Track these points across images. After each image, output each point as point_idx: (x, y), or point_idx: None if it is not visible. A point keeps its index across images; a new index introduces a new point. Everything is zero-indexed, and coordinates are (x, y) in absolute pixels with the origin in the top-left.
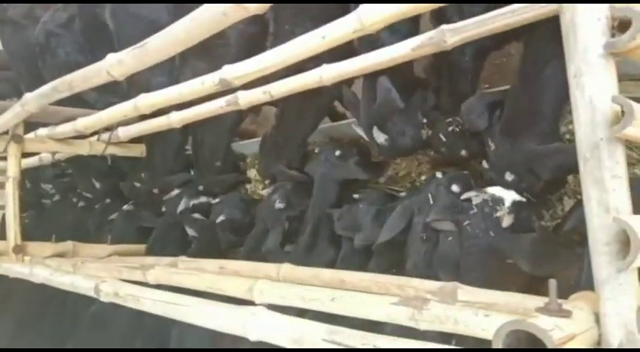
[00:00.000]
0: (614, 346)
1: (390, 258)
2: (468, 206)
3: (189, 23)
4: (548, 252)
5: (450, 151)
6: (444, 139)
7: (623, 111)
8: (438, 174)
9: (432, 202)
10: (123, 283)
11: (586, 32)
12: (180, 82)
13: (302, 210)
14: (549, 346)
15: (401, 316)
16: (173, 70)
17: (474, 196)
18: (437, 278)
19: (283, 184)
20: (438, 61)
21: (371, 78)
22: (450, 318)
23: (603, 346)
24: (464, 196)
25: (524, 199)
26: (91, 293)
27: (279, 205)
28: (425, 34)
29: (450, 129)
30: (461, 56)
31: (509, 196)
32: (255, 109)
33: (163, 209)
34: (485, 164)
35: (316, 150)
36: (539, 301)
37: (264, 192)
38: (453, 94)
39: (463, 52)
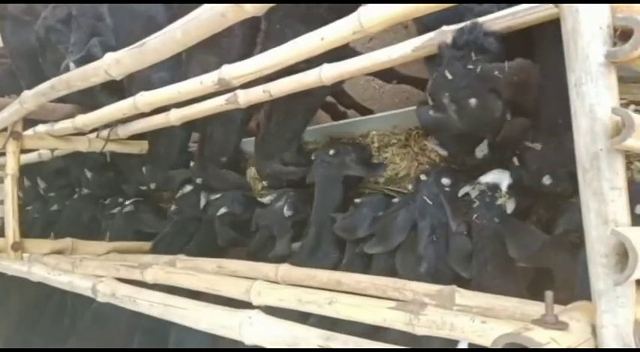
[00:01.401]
0: None
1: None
2: (470, 200)
3: (188, 24)
4: (540, 245)
5: None
6: None
7: (623, 123)
8: (422, 177)
9: (430, 203)
10: (120, 283)
11: (587, 40)
12: (187, 75)
13: (306, 215)
14: None
15: (398, 321)
16: (177, 64)
17: (471, 190)
18: (452, 278)
19: (287, 191)
20: None
21: None
22: (446, 324)
23: None
24: (462, 192)
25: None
26: (89, 293)
27: (287, 212)
28: (426, 35)
29: None
30: None
31: (504, 180)
32: (258, 107)
33: (173, 207)
34: (516, 161)
35: (312, 156)
36: (536, 306)
37: (267, 200)
38: None
39: None
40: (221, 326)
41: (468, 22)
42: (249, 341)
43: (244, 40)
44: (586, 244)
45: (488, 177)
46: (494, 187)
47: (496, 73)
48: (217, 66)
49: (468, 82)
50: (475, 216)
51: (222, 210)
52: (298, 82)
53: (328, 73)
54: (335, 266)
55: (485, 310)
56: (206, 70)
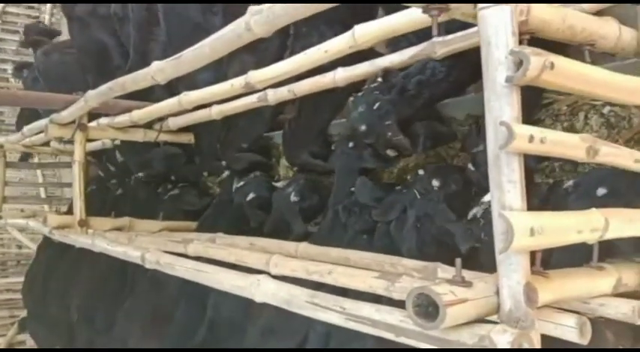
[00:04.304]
0: (506, 311)
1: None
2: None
3: (214, 42)
4: None
5: None
6: None
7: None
8: (420, 171)
9: (419, 197)
10: (163, 253)
11: (494, 67)
12: (227, 71)
13: (313, 203)
14: (439, 305)
15: (379, 287)
16: (218, 66)
17: (477, 209)
18: (427, 259)
19: (297, 178)
20: None
21: None
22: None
23: (500, 312)
24: (470, 215)
25: None
26: (139, 261)
27: (294, 198)
28: (420, 45)
29: None
30: None
31: None
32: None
33: (214, 188)
34: (471, 166)
35: (333, 146)
36: None
37: (279, 184)
38: None
39: None
40: (237, 287)
41: None
42: (258, 298)
43: (278, 44)
44: (493, 224)
45: (489, 197)
46: None
47: None
48: (254, 65)
49: None
50: (483, 234)
51: (251, 196)
52: (316, 83)
53: (341, 75)
54: (348, 244)
55: None
56: (244, 68)
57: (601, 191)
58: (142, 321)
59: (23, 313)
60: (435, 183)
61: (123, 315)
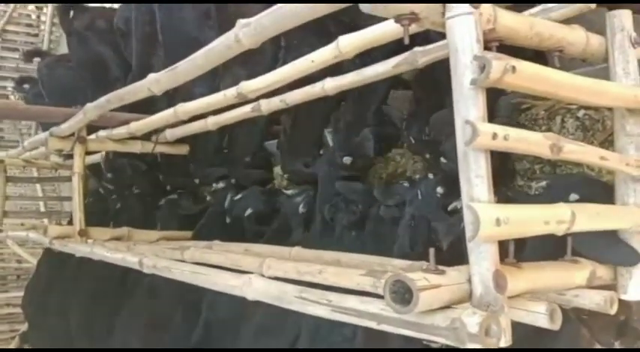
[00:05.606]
0: (477, 296)
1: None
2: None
3: (207, 53)
4: None
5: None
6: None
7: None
8: (430, 175)
9: (420, 198)
10: (160, 258)
11: (461, 71)
12: (220, 85)
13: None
14: (413, 290)
15: (366, 284)
16: (212, 79)
17: (457, 202)
18: (418, 254)
19: (307, 190)
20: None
21: None
22: None
23: (472, 297)
24: (451, 207)
25: None
26: (137, 267)
27: (302, 209)
28: (402, 55)
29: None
30: None
31: None
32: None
33: (208, 198)
34: (443, 159)
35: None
36: None
37: (289, 192)
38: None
39: None
40: (230, 286)
41: None
42: (250, 296)
43: (272, 57)
44: (463, 215)
45: None
46: None
47: None
48: (246, 78)
49: None
50: (462, 224)
51: (249, 211)
52: (307, 93)
53: (329, 85)
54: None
55: None
56: (237, 81)
57: (573, 197)
58: (139, 331)
59: (23, 327)
60: (440, 190)
61: (121, 326)
